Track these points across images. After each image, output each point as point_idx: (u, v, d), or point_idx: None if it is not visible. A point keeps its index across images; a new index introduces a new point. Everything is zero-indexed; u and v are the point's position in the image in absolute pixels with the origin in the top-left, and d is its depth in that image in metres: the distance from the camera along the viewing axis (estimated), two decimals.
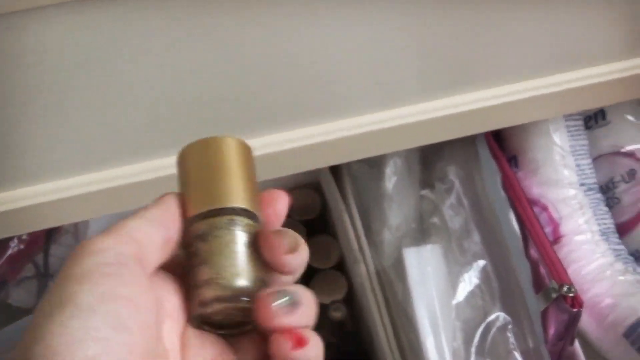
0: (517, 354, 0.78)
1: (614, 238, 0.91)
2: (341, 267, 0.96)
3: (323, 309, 0.92)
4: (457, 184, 0.86)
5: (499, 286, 0.82)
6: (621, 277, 0.87)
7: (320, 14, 0.68)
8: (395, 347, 0.85)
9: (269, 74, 0.71)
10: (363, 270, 0.89)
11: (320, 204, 0.99)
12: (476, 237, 0.84)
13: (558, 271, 0.82)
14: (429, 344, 0.80)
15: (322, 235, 0.98)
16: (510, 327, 0.79)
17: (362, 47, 0.72)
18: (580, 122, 0.94)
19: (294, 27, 0.68)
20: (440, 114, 0.78)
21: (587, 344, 0.89)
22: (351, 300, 0.93)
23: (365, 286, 0.88)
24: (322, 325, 0.93)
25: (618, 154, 0.94)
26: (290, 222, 0.97)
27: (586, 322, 0.88)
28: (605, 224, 0.91)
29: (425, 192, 0.88)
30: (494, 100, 0.80)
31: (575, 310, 0.80)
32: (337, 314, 0.92)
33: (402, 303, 0.82)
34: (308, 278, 0.94)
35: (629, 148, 0.94)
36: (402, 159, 0.89)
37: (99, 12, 0.61)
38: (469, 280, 0.81)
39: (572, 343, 0.85)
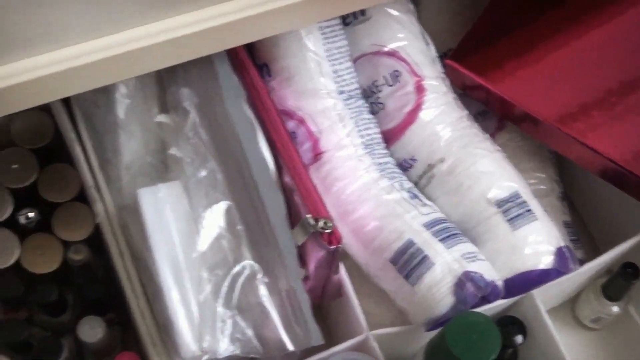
0: (267, 304, 0.70)
1: (380, 149, 0.83)
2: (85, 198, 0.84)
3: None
4: (192, 110, 0.74)
5: (246, 229, 0.72)
6: (386, 196, 0.79)
7: None
8: (141, 295, 0.75)
9: None
10: (101, 210, 0.78)
11: (53, 127, 0.85)
12: (217, 172, 0.73)
13: (314, 203, 0.74)
14: (173, 296, 0.70)
15: (59, 163, 0.85)
16: (259, 276, 0.70)
17: None
18: (336, 21, 0.83)
19: None
20: (171, 36, 0.67)
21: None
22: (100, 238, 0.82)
23: (105, 228, 0.78)
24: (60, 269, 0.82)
25: (379, 53, 0.85)
26: (18, 151, 0.84)
27: (354, 246, 0.80)
28: (369, 134, 0.83)
29: (162, 118, 0.76)
30: (227, 18, 0.68)
31: (332, 247, 0.72)
32: (78, 257, 0.80)
33: (141, 252, 0.72)
34: (47, 214, 0.82)
35: (390, 46, 0.85)
36: (135, 79, 0.77)
37: None
38: (212, 225, 0.72)
39: (337, 272, 0.78)
